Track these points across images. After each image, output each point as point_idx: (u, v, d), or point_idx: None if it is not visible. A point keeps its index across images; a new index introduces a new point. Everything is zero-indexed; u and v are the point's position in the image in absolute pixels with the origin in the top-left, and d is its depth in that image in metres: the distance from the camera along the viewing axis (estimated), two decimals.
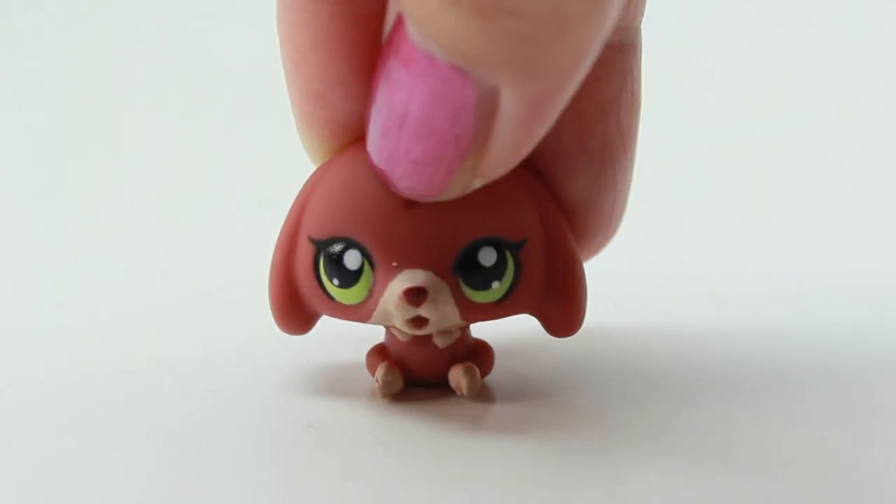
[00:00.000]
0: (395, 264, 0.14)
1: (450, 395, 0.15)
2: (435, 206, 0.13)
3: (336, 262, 0.14)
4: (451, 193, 0.12)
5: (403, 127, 0.11)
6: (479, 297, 0.14)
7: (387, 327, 0.15)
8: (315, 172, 0.15)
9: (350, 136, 0.14)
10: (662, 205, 0.35)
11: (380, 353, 0.16)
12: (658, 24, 0.18)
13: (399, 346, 0.15)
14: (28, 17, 0.44)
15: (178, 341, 0.21)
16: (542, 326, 0.15)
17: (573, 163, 0.15)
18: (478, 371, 0.15)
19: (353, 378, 0.16)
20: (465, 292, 0.14)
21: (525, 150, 0.12)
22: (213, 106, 0.42)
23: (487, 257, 0.14)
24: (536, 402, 0.15)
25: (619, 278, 0.23)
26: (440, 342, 0.15)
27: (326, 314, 0.15)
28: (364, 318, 0.14)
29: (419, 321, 0.14)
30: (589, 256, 0.17)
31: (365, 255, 0.14)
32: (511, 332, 0.18)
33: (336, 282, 0.14)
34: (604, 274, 0.17)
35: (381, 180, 0.13)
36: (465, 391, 0.15)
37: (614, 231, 0.17)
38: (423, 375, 0.15)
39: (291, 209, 0.14)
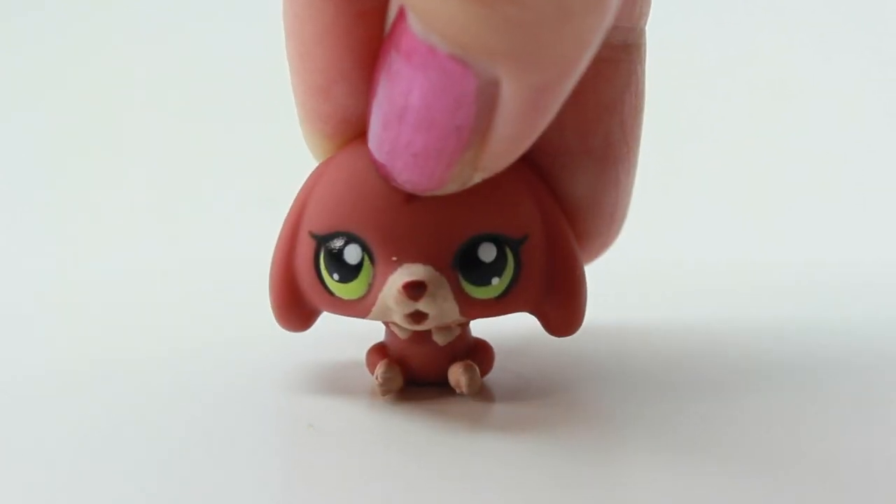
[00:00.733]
0: (394, 259, 0.14)
1: (449, 394, 0.15)
2: (435, 201, 0.13)
3: (336, 257, 0.14)
4: (452, 187, 0.12)
5: (404, 119, 0.11)
6: (479, 293, 0.14)
7: (387, 325, 0.15)
8: (317, 169, 0.15)
9: (352, 133, 0.14)
10: (663, 203, 0.35)
11: (380, 351, 0.16)
12: (661, 26, 0.18)
13: (399, 345, 0.15)
14: (28, 17, 0.44)
15: (178, 340, 0.21)
16: (541, 326, 0.15)
17: (576, 161, 0.15)
18: (477, 369, 0.15)
19: (352, 377, 0.16)
20: (464, 288, 0.14)
21: (526, 143, 0.12)
22: (213, 105, 0.42)
23: (487, 253, 0.14)
24: (536, 401, 0.15)
25: (619, 277, 0.23)
26: (440, 339, 0.15)
27: (326, 310, 0.15)
28: (363, 313, 0.14)
29: (418, 316, 0.14)
30: (590, 259, 0.17)
31: (365, 249, 0.14)
32: (511, 331, 0.18)
33: (336, 276, 0.14)
34: (604, 273, 0.17)
35: (382, 174, 0.13)
36: (464, 389, 0.15)
37: (616, 233, 0.16)
38: (422, 373, 0.15)
39: (293, 206, 0.14)
